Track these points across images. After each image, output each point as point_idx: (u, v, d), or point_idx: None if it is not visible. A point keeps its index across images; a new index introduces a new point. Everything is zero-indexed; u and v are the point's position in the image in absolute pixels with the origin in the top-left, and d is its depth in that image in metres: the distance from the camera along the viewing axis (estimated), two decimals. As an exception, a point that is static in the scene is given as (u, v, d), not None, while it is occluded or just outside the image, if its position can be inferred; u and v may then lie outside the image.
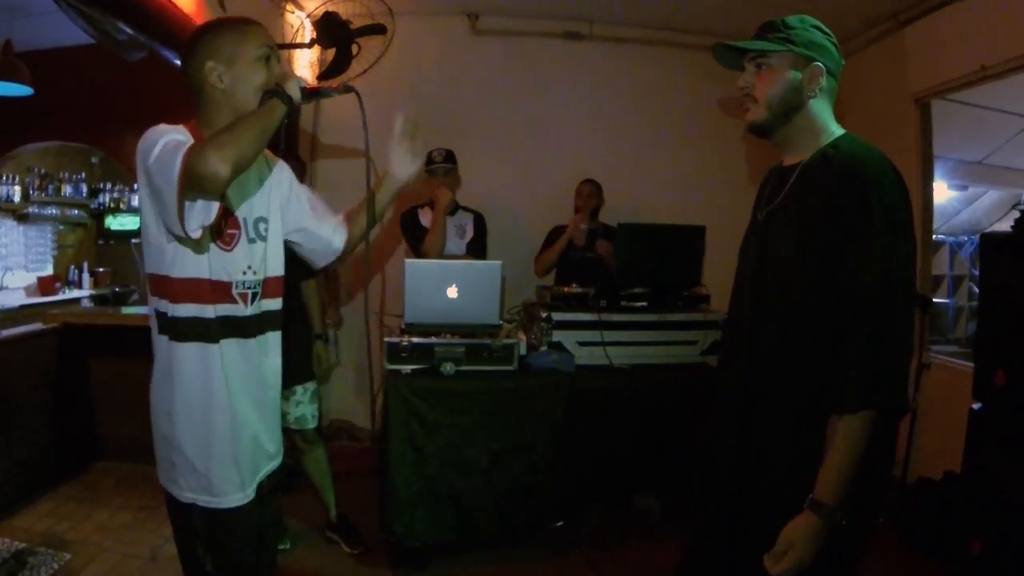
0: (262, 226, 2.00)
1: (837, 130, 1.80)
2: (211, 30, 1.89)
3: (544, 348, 3.69)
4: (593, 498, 3.66)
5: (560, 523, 3.70)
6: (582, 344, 3.75)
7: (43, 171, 7.67)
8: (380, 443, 3.58)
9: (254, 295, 1.96)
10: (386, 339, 3.51)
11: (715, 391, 2.08)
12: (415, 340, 3.47)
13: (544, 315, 3.72)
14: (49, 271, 7.87)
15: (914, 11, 4.61)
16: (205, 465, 1.86)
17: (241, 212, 1.93)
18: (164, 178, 1.58)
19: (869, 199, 1.59)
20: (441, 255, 4.09)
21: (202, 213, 1.63)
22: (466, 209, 4.51)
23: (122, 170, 7.39)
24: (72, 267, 8.14)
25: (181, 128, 1.74)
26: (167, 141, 1.64)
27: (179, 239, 1.74)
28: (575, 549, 3.72)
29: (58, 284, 7.57)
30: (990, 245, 3.41)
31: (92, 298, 7.80)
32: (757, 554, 1.68)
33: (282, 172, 2.12)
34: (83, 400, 4.84)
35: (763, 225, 1.89)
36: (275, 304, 2.04)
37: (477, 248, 4.42)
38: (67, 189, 7.97)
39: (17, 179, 7.23)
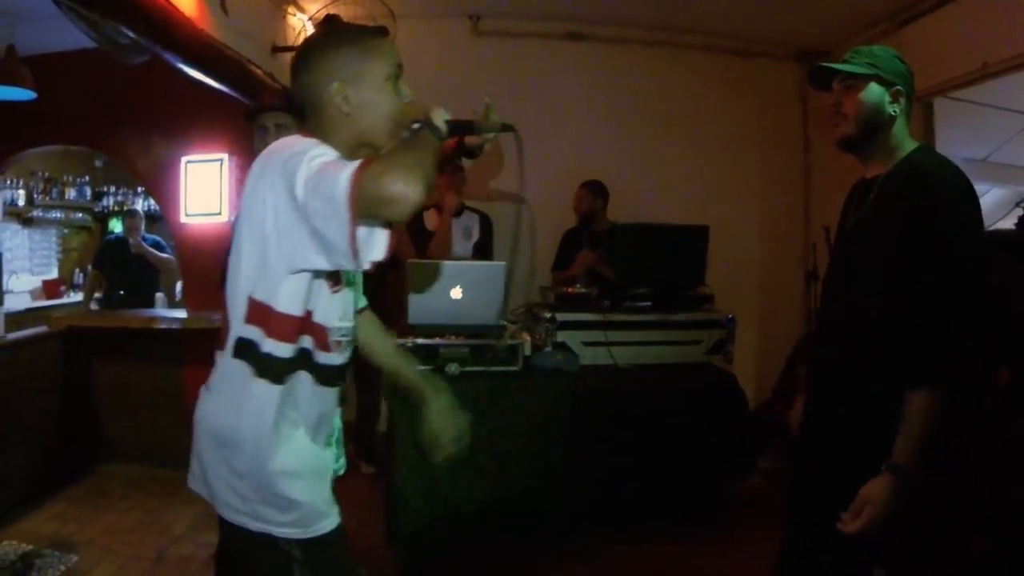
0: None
1: (911, 144, 2.06)
2: (336, 44, 1.71)
3: (548, 349, 3.69)
4: (600, 500, 3.66)
5: (566, 524, 3.70)
6: (586, 344, 3.75)
7: (47, 175, 7.70)
8: (385, 447, 3.58)
9: (348, 343, 1.81)
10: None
11: (809, 378, 2.35)
12: (419, 341, 3.48)
13: (548, 315, 3.73)
14: (54, 275, 7.90)
15: (914, 11, 4.61)
16: (284, 500, 1.68)
17: None
18: (325, 198, 1.39)
19: (947, 213, 1.86)
20: (447, 259, 4.08)
21: (379, 246, 1.46)
22: (472, 210, 4.50)
23: (125, 173, 7.39)
24: (76, 270, 8.18)
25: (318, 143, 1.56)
26: (318, 154, 1.47)
27: (311, 273, 1.59)
28: (581, 551, 3.72)
29: (63, 287, 7.61)
30: (993, 243, 3.40)
31: (97, 301, 7.82)
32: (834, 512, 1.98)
33: None
34: (89, 403, 4.86)
35: (850, 232, 2.14)
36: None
37: (484, 249, 4.41)
38: (71, 193, 8.00)
39: (21, 183, 7.26)
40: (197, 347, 4.03)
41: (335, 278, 1.71)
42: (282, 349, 1.63)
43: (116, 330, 4.88)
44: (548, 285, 4.49)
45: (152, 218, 8.41)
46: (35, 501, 4.16)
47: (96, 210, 8.41)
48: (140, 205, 8.39)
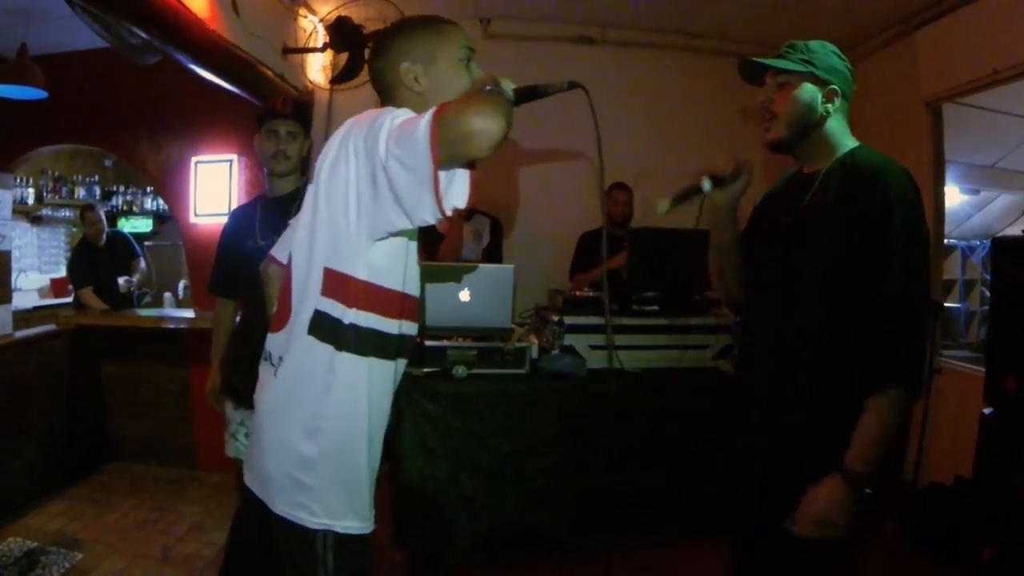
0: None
1: (852, 142, 2.00)
2: (407, 28, 1.77)
3: (556, 352, 3.69)
4: (606, 502, 3.65)
5: (572, 527, 3.70)
6: (594, 348, 3.75)
7: (57, 174, 7.73)
8: (392, 446, 3.58)
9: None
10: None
11: (739, 376, 2.35)
12: (427, 343, 3.48)
13: (556, 319, 3.73)
14: (62, 273, 7.92)
15: (925, 15, 4.61)
16: (357, 486, 1.69)
17: None
18: (407, 144, 1.40)
19: (891, 211, 1.80)
20: (458, 262, 4.08)
21: (460, 190, 1.45)
22: (483, 213, 4.49)
23: (135, 173, 7.42)
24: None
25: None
26: (400, 114, 1.48)
27: (395, 235, 1.58)
28: (587, 554, 3.71)
29: (71, 286, 7.62)
30: (1002, 249, 3.40)
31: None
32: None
33: None
34: (96, 401, 4.88)
35: (791, 226, 2.05)
36: None
37: (494, 253, 4.41)
38: (80, 192, 8.03)
39: (31, 182, 7.29)
40: (204, 346, 4.03)
41: (423, 246, 1.72)
42: (367, 320, 1.61)
43: (124, 329, 4.90)
44: (562, 289, 4.45)
45: (161, 218, 8.46)
46: (41, 498, 4.18)
47: (105, 209, 8.43)
48: (149, 205, 8.43)
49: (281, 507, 1.64)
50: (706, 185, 2.16)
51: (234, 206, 4.81)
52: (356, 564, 1.69)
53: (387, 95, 1.75)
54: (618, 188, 4.91)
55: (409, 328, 1.73)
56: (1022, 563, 2.84)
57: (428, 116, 1.38)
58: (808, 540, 1.82)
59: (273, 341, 1.73)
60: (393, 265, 1.63)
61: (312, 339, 1.62)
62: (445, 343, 3.50)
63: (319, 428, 1.61)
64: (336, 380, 1.61)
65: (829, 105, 1.96)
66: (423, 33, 1.73)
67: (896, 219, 1.80)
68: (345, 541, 1.65)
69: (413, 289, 1.73)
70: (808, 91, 1.95)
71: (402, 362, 1.79)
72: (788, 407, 1.97)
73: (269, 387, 1.71)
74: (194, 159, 5.08)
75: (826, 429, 1.88)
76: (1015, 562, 2.87)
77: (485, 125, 1.36)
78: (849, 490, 1.77)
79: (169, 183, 5.19)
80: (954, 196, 6.55)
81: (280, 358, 1.69)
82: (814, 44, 2.00)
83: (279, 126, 2.95)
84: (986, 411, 3.20)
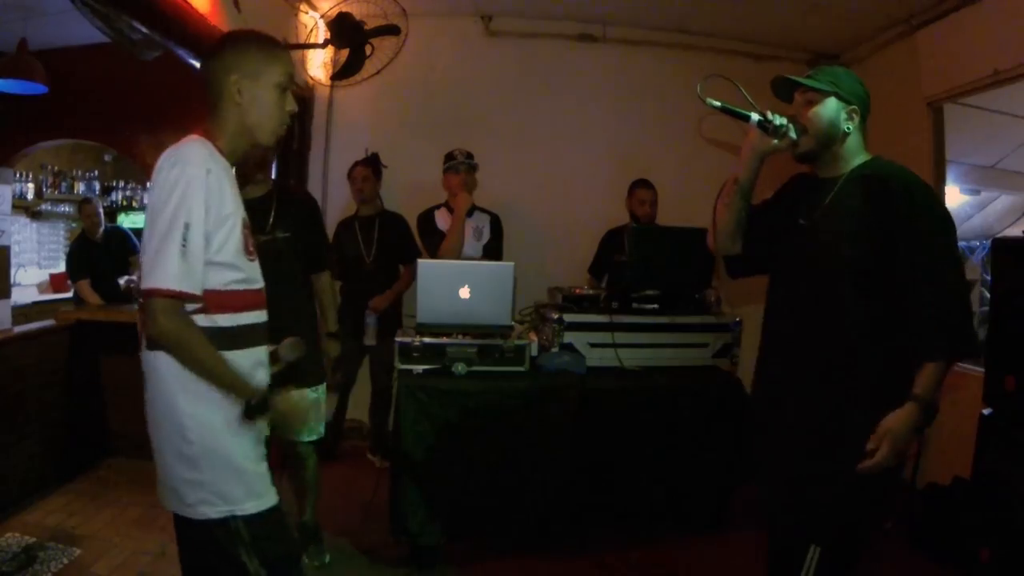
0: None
1: (865, 156, 2.26)
2: (243, 42, 1.92)
3: (555, 349, 3.69)
4: (605, 500, 3.65)
5: (571, 524, 3.70)
6: (593, 346, 3.75)
7: (56, 169, 7.72)
8: (392, 443, 3.58)
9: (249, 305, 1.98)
10: (398, 339, 3.52)
11: (763, 369, 2.49)
12: (427, 340, 3.48)
13: (556, 316, 3.72)
14: (61, 268, 7.90)
15: (926, 16, 4.60)
16: (256, 465, 1.90)
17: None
18: (145, 265, 1.72)
19: (914, 202, 2.06)
20: (458, 259, 4.08)
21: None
22: (483, 210, 4.48)
23: (135, 168, 7.41)
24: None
25: (196, 159, 1.80)
26: (179, 221, 1.71)
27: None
28: (585, 550, 3.72)
29: (70, 281, 7.61)
30: (1002, 250, 3.40)
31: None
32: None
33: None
34: (95, 396, 4.86)
35: (811, 227, 2.26)
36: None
37: (494, 250, 4.40)
38: (80, 187, 8.01)
39: (31, 176, 7.27)
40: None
41: (251, 250, 1.93)
42: (234, 319, 1.87)
43: (123, 325, 4.88)
44: (563, 286, 4.43)
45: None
46: (39, 494, 4.16)
47: (105, 205, 8.41)
48: (147, 200, 8.40)
49: (187, 509, 1.82)
50: (754, 117, 2.28)
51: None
52: (273, 531, 1.88)
53: (211, 97, 1.94)
54: (642, 186, 4.82)
55: (239, 319, 1.90)
56: (1020, 563, 2.84)
57: (158, 288, 1.70)
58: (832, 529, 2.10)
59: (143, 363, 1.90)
60: (230, 271, 1.86)
61: (153, 353, 1.83)
62: (445, 340, 3.50)
63: (188, 427, 1.79)
64: (185, 382, 1.79)
65: (851, 123, 2.21)
66: (256, 52, 1.90)
67: (919, 210, 2.06)
68: (253, 520, 1.82)
69: (220, 284, 1.85)
70: (833, 107, 2.20)
71: (258, 349, 1.96)
72: (827, 383, 2.18)
73: (148, 407, 1.90)
74: (194, 155, 5.07)
75: (868, 400, 2.09)
76: (1013, 562, 2.87)
77: (156, 338, 1.76)
78: (914, 411, 1.98)
79: (169, 179, 5.17)
80: (955, 196, 6.53)
81: (145, 378, 1.88)
82: (839, 70, 2.27)
83: None
84: (985, 411, 3.20)
